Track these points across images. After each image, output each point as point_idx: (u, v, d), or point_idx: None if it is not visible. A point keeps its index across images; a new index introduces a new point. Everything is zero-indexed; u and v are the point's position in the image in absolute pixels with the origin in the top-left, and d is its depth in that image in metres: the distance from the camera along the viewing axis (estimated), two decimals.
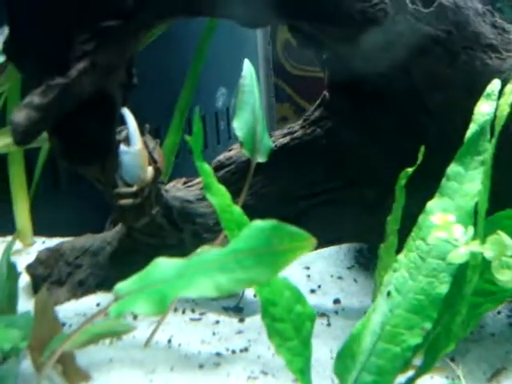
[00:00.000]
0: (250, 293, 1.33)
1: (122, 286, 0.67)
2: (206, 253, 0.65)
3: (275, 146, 1.21)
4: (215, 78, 1.99)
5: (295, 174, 1.26)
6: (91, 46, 0.86)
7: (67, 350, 0.82)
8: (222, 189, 0.79)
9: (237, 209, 0.79)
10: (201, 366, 0.88)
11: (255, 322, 1.18)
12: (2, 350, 0.91)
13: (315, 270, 1.54)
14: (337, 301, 1.36)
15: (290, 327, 0.79)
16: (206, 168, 0.79)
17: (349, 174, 1.24)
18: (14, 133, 0.84)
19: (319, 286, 1.44)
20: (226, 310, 1.24)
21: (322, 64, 1.31)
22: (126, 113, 0.99)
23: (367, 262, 1.62)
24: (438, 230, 0.76)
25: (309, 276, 1.50)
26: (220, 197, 0.78)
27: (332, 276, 1.53)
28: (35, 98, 0.85)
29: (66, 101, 0.86)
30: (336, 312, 1.29)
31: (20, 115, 0.84)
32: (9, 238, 1.55)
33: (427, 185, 0.93)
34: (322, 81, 2.82)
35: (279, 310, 0.79)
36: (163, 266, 0.66)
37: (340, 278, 1.52)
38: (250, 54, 1.95)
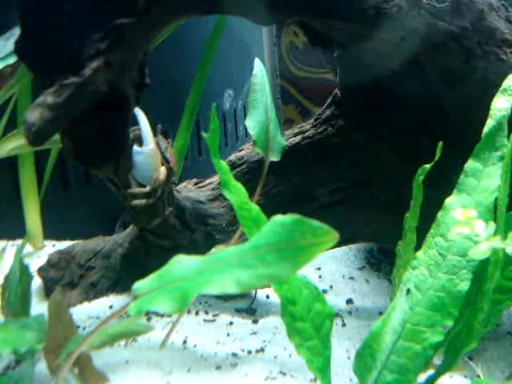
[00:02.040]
0: (262, 294, 1.33)
1: (140, 284, 0.66)
2: (226, 249, 0.64)
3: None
4: (222, 80, 1.99)
5: (307, 173, 1.25)
6: (105, 45, 0.86)
7: (84, 351, 0.81)
8: (239, 186, 0.78)
9: (254, 206, 0.78)
10: (218, 367, 0.87)
11: (269, 323, 1.17)
12: (17, 352, 0.90)
13: (326, 271, 1.53)
14: (350, 301, 1.35)
15: (310, 326, 0.78)
16: (223, 165, 0.79)
17: (361, 173, 1.24)
18: (27, 133, 0.83)
19: (331, 287, 1.43)
20: (239, 311, 1.23)
21: (333, 62, 1.31)
22: (139, 113, 0.98)
23: (378, 263, 1.61)
24: (460, 226, 0.75)
25: (320, 276, 1.48)
26: (237, 194, 0.77)
27: (344, 277, 1.52)
28: (48, 97, 0.84)
29: (79, 100, 0.85)
30: (350, 312, 1.28)
31: (33, 115, 0.83)
32: (19, 242, 1.55)
33: (442, 183, 0.93)
34: (327, 82, 2.81)
35: (298, 308, 0.78)
36: (182, 263, 0.66)
37: (352, 278, 1.51)
38: (255, 56, 1.95)
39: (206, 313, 1.17)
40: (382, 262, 1.60)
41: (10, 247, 1.49)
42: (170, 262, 0.67)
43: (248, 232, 0.78)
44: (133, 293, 0.65)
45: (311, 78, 2.78)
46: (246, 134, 2.08)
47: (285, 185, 1.25)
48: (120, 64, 0.88)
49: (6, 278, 1.04)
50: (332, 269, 1.54)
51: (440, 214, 0.85)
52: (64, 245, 1.41)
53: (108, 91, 0.88)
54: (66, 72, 0.86)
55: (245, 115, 2.07)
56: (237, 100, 2.03)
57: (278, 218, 0.62)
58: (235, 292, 0.60)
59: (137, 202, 0.97)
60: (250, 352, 0.97)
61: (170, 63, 1.76)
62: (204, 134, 0.82)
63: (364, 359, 0.80)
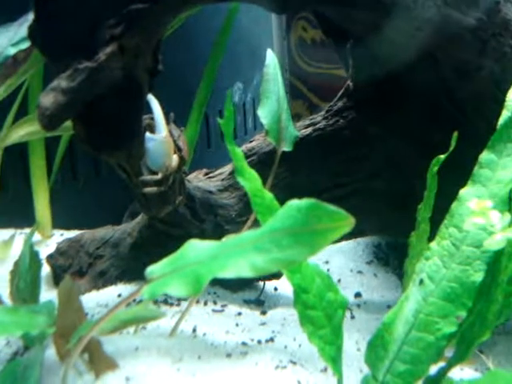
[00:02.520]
0: (270, 286, 1.32)
1: (153, 268, 0.65)
2: (241, 234, 0.64)
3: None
4: (231, 73, 1.98)
5: (317, 165, 1.25)
6: (119, 30, 0.85)
7: (94, 337, 0.81)
8: (254, 173, 0.78)
9: (268, 194, 0.78)
10: (228, 355, 0.87)
11: (277, 314, 1.17)
12: (28, 335, 0.90)
13: (334, 265, 1.53)
14: (358, 295, 1.35)
15: (322, 315, 0.77)
16: (238, 152, 0.78)
17: (373, 166, 1.23)
18: (41, 117, 0.83)
19: (339, 280, 1.43)
20: (247, 302, 1.23)
21: (344, 56, 1.30)
22: (152, 99, 0.98)
23: (386, 258, 1.61)
24: (475, 216, 0.75)
25: (328, 270, 1.48)
26: (251, 181, 0.77)
27: (352, 270, 1.51)
28: (62, 81, 0.84)
29: (93, 85, 0.85)
30: (358, 305, 1.27)
31: (47, 99, 0.83)
32: (27, 231, 1.55)
33: (456, 175, 0.92)
34: (335, 78, 2.80)
35: (311, 297, 0.77)
36: (196, 247, 0.65)
37: (360, 272, 1.51)
38: (265, 50, 1.94)
39: (215, 303, 1.17)
40: (390, 257, 1.60)
41: (19, 235, 1.49)
42: (184, 247, 0.66)
43: (262, 219, 0.77)
44: (147, 276, 0.65)
45: (320, 74, 2.77)
46: (255, 127, 2.07)
47: (295, 177, 1.25)
48: (134, 49, 0.88)
49: (16, 265, 1.04)
50: (340, 263, 1.54)
51: (454, 204, 0.84)
52: (72, 234, 1.41)
53: (122, 77, 0.88)
54: (80, 57, 0.86)
55: (254, 108, 2.06)
56: (246, 93, 2.03)
57: (294, 202, 0.61)
58: (250, 276, 0.59)
59: (148, 189, 0.96)
60: (259, 342, 0.96)
61: (180, 55, 1.75)
62: (219, 121, 0.81)
63: (376, 349, 0.79)
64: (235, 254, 0.61)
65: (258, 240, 0.61)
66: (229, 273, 0.60)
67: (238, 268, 0.60)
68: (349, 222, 0.60)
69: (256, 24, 2.14)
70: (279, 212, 0.62)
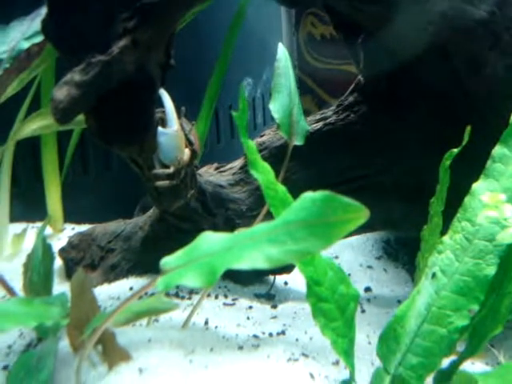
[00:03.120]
0: (280, 281, 1.33)
1: (168, 259, 0.66)
2: (255, 226, 0.64)
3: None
4: (241, 68, 1.99)
5: (328, 160, 1.25)
6: (132, 24, 0.86)
7: (108, 328, 0.81)
8: (267, 166, 0.78)
9: (281, 187, 0.78)
10: (240, 348, 0.87)
11: (288, 308, 1.17)
12: (41, 327, 0.91)
13: (344, 260, 1.53)
14: (368, 289, 1.35)
15: (335, 307, 0.77)
16: (251, 145, 0.78)
17: (383, 160, 1.23)
18: (55, 110, 0.84)
19: (349, 275, 1.43)
20: (258, 296, 1.24)
21: (354, 51, 1.30)
22: (163, 94, 0.98)
23: (396, 253, 1.61)
24: (488, 210, 0.74)
25: (338, 265, 1.48)
26: (265, 174, 0.77)
27: (361, 265, 1.52)
28: (76, 75, 0.84)
29: (106, 78, 0.85)
30: (368, 300, 1.28)
31: (60, 92, 0.84)
32: (39, 224, 1.56)
33: (467, 169, 0.92)
34: (344, 74, 2.79)
35: (323, 289, 0.77)
36: (210, 239, 0.65)
37: (370, 267, 1.51)
38: (275, 45, 1.94)
39: (226, 297, 1.17)
40: (400, 252, 1.60)
41: (31, 229, 1.50)
42: (198, 239, 0.66)
43: (275, 212, 0.78)
44: (161, 268, 0.65)
45: (328, 70, 2.76)
46: (265, 122, 2.08)
47: (306, 171, 1.25)
48: (147, 43, 0.88)
49: (29, 257, 1.05)
50: (350, 258, 1.54)
51: (467, 198, 0.84)
52: (83, 228, 1.42)
53: (134, 70, 0.88)
54: (93, 51, 0.86)
55: (263, 104, 2.07)
56: (255, 88, 2.03)
57: (309, 194, 0.62)
58: (265, 267, 0.60)
59: (160, 182, 0.97)
60: (271, 334, 0.97)
61: (190, 51, 1.75)
62: (233, 113, 0.81)
63: (388, 342, 0.80)
64: (249, 246, 0.61)
65: (273, 232, 0.61)
66: (244, 264, 0.60)
67: (252, 259, 0.60)
68: (364, 214, 0.60)
69: (265, 20, 2.14)
70: (294, 204, 0.62)
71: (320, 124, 1.26)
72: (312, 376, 0.80)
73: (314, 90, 2.78)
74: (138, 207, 1.51)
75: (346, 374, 0.82)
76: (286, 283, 1.33)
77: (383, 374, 0.78)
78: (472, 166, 0.89)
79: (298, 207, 0.61)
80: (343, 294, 0.78)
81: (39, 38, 1.05)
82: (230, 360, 0.83)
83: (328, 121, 1.26)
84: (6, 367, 0.90)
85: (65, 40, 0.92)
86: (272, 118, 2.18)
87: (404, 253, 1.59)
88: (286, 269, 1.31)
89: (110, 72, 0.85)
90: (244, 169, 1.26)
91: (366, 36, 1.17)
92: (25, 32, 1.05)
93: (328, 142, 1.25)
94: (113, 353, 0.83)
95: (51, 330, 0.90)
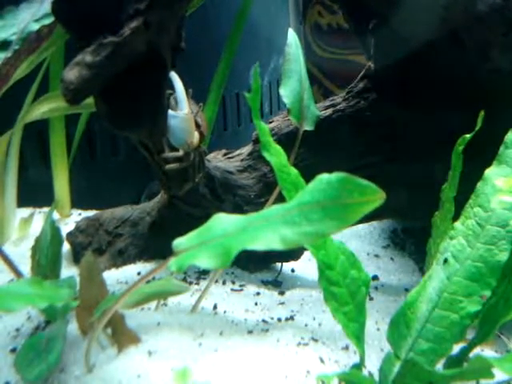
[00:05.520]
0: (287, 268, 1.32)
1: (180, 241, 0.65)
2: (269, 208, 0.64)
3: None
4: (248, 56, 1.97)
5: (337, 147, 1.24)
6: (144, 5, 0.85)
7: (117, 311, 0.81)
8: (279, 148, 0.77)
9: (293, 169, 0.78)
10: (250, 332, 0.87)
11: (295, 295, 1.17)
12: (50, 310, 0.91)
13: (351, 248, 1.48)
14: (375, 277, 1.34)
15: (346, 292, 0.77)
16: (264, 127, 0.78)
17: (393, 148, 1.22)
18: (65, 91, 0.83)
19: None
20: (265, 283, 1.23)
21: (364, 39, 1.29)
22: (174, 76, 0.97)
23: (402, 243, 1.61)
24: (502, 194, 0.74)
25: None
26: (277, 156, 0.76)
27: (368, 254, 1.51)
28: (87, 56, 0.83)
29: (117, 59, 0.84)
30: (376, 288, 1.27)
31: (71, 73, 0.83)
32: (46, 210, 1.55)
33: (477, 157, 0.91)
34: (351, 64, 2.78)
35: (335, 273, 0.77)
36: (224, 221, 0.65)
37: (377, 256, 1.51)
38: (282, 34, 1.94)
39: (233, 283, 1.17)
40: (407, 242, 1.60)
41: (38, 214, 1.50)
42: (211, 220, 0.66)
43: (287, 194, 0.77)
44: (174, 248, 0.65)
45: (335, 60, 2.75)
46: (271, 111, 2.07)
47: (314, 158, 1.24)
48: (158, 25, 0.87)
49: (37, 241, 1.04)
50: (357, 246, 1.54)
51: (479, 184, 0.83)
52: (90, 214, 1.42)
53: (146, 52, 0.87)
54: (105, 32, 0.85)
55: (270, 92, 2.05)
56: (263, 77, 2.01)
57: (324, 175, 0.61)
58: (280, 248, 0.59)
59: (170, 166, 0.96)
60: (279, 320, 0.96)
61: (197, 37, 1.74)
62: (246, 95, 0.81)
63: (398, 328, 0.79)
64: (264, 227, 0.61)
65: (287, 213, 0.61)
66: (259, 245, 0.60)
67: (267, 240, 0.60)
68: (380, 196, 0.60)
69: (273, 9, 2.12)
70: (309, 186, 0.61)
71: (329, 111, 1.25)
72: (322, 360, 0.80)
73: (320, 79, 2.77)
74: (144, 193, 1.51)
75: (355, 359, 0.82)
76: (293, 270, 1.32)
77: (393, 359, 0.78)
78: (480, 154, 0.89)
79: (314, 189, 0.61)
80: (355, 278, 0.78)
81: (49, 20, 1.04)
82: (240, 344, 0.82)
83: (337, 107, 1.25)
84: (14, 350, 0.90)
85: (75, 21, 0.91)
86: (279, 107, 2.17)
87: (411, 242, 1.58)
88: (294, 256, 1.31)
89: (122, 53, 0.84)
90: (252, 155, 1.25)
91: (376, 22, 1.16)
92: (34, 14, 1.04)
93: (337, 129, 1.24)
94: (122, 335, 0.82)
95: (60, 312, 0.90)
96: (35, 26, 1.02)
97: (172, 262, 0.64)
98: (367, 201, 0.59)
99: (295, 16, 2.57)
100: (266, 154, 0.77)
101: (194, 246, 0.64)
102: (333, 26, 2.63)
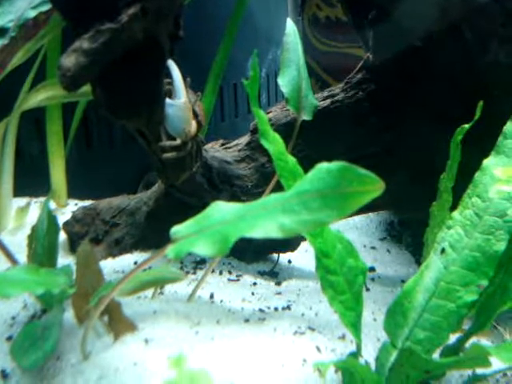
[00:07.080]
0: (284, 259, 1.32)
1: (178, 228, 0.65)
2: (267, 196, 0.63)
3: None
4: (246, 48, 1.97)
5: (335, 138, 1.24)
6: None
7: (114, 298, 0.81)
8: (278, 137, 0.77)
9: (291, 158, 0.77)
10: (246, 320, 0.87)
11: (292, 285, 1.17)
12: (46, 298, 0.90)
13: None
14: (372, 269, 1.35)
15: (343, 280, 0.77)
16: (262, 115, 0.77)
17: (391, 139, 1.22)
18: (62, 78, 0.82)
19: None
20: (262, 274, 1.23)
21: (362, 31, 1.28)
22: (172, 65, 0.97)
23: (399, 235, 1.61)
24: (500, 184, 0.74)
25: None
26: (275, 144, 0.76)
27: (365, 246, 1.52)
28: (84, 42, 0.83)
29: (115, 46, 0.84)
30: (372, 279, 1.28)
31: (68, 60, 0.82)
32: (42, 199, 1.55)
33: (475, 148, 0.91)
34: (349, 57, 2.77)
35: (332, 262, 0.77)
36: (222, 208, 0.65)
37: (373, 248, 1.51)
38: (280, 26, 1.93)
39: (230, 273, 1.17)
40: (404, 234, 1.60)
41: (34, 204, 1.49)
42: (209, 208, 0.66)
43: (285, 183, 0.77)
44: (171, 236, 0.64)
45: (333, 53, 2.74)
46: (269, 102, 2.06)
47: (312, 149, 1.24)
48: (156, 12, 0.87)
49: (33, 229, 1.04)
50: (353, 238, 1.54)
51: (477, 174, 0.83)
52: (87, 204, 1.41)
53: (143, 39, 0.87)
54: (102, 18, 0.85)
55: (268, 84, 2.05)
56: (260, 68, 2.01)
57: (324, 164, 0.61)
58: (279, 237, 0.59)
59: (167, 155, 0.96)
60: (276, 309, 0.97)
61: (195, 27, 1.74)
62: (244, 82, 0.80)
63: (395, 317, 0.79)
64: (263, 215, 0.61)
65: (286, 202, 0.61)
66: (257, 233, 0.59)
67: (265, 228, 0.60)
68: (379, 185, 0.60)
69: (271, 1, 2.11)
70: (308, 174, 0.61)
71: (327, 101, 1.25)
72: (318, 349, 0.80)
73: (318, 72, 2.76)
74: (141, 184, 1.50)
75: (352, 349, 0.82)
76: (289, 262, 1.33)
77: (390, 349, 0.78)
78: (478, 145, 0.89)
79: (313, 177, 0.61)
80: (352, 267, 0.78)
81: (46, 7, 1.03)
82: (237, 332, 0.82)
83: (336, 98, 1.25)
84: (10, 338, 0.90)
85: (72, 8, 0.90)
86: (276, 99, 2.16)
87: (408, 235, 1.59)
88: (290, 247, 1.31)
89: (119, 40, 0.84)
90: (250, 145, 1.25)
91: (375, 14, 1.16)
92: (32, 1, 1.03)
93: (335, 120, 1.24)
94: (118, 323, 0.82)
95: (56, 300, 0.90)
96: (32, 13, 1.02)
97: (170, 249, 0.64)
98: (367, 190, 0.59)
99: (293, 9, 2.57)
100: (264, 142, 0.77)
101: (192, 234, 0.64)
102: (331, 19, 2.62)
